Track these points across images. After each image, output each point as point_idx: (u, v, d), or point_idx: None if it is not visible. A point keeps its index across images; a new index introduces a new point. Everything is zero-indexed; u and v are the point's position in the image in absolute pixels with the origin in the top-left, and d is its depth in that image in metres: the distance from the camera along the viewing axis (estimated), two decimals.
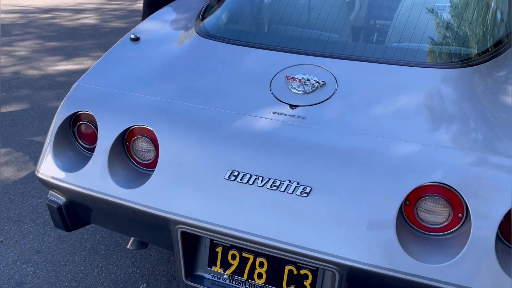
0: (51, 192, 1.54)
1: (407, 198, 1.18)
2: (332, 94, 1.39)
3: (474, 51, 1.57)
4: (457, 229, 1.17)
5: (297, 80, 1.44)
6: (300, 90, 1.41)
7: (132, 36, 1.82)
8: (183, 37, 1.83)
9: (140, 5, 8.47)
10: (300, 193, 1.21)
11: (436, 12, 1.68)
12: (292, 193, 1.22)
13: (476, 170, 1.15)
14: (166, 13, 2.08)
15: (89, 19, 7.08)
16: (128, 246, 1.68)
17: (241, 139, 1.31)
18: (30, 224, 2.33)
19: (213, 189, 1.28)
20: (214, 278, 1.41)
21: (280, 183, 1.23)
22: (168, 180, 1.34)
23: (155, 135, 1.40)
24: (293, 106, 1.37)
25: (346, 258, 1.15)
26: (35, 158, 2.92)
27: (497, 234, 1.10)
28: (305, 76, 1.44)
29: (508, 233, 1.14)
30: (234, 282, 1.39)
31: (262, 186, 1.24)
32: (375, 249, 1.14)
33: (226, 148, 1.31)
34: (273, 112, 1.36)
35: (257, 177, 1.25)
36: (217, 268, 1.40)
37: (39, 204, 2.49)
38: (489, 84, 1.47)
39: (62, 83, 4.28)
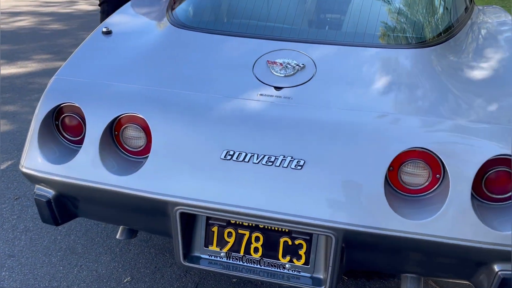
0: (38, 186, 1.52)
1: (391, 164, 1.30)
2: (313, 76, 1.49)
3: (431, 35, 1.73)
4: (436, 188, 1.31)
5: (279, 64, 1.52)
6: (282, 73, 1.50)
7: (104, 29, 1.82)
8: (157, 29, 1.86)
9: (78, 7, 8.21)
10: (295, 166, 1.29)
11: (396, 2, 1.83)
12: (287, 166, 1.30)
13: (450, 134, 1.29)
14: (134, 7, 2.09)
15: (26, 22, 6.76)
16: (118, 236, 1.68)
17: (234, 120, 1.37)
18: None
19: (211, 169, 1.34)
20: (211, 257, 1.46)
21: (275, 158, 1.31)
22: (163, 164, 1.37)
23: (145, 123, 1.43)
24: (278, 88, 1.45)
25: (342, 222, 1.25)
26: None
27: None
28: (286, 60, 1.53)
29: (479, 189, 1.29)
30: (231, 259, 1.45)
31: (258, 163, 1.31)
32: (367, 212, 1.25)
33: (219, 129, 1.37)
34: (260, 94, 1.44)
35: (253, 154, 1.32)
36: (213, 247, 1.45)
37: (4, 209, 2.40)
38: (446, 61, 1.63)
39: (8, 87, 4.09)
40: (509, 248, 1.20)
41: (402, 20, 1.73)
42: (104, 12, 3.07)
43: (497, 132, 1.27)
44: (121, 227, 1.70)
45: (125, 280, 1.95)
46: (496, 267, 1.24)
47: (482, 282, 1.31)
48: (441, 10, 1.90)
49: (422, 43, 1.66)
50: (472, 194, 1.26)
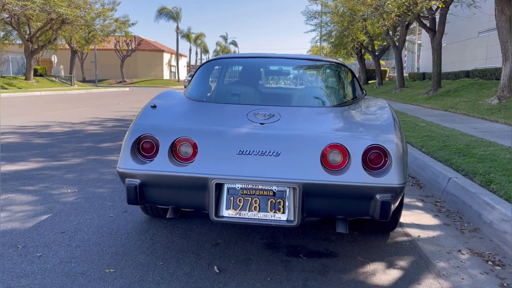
0: (127, 179, 2.61)
1: (322, 153, 2.58)
2: (279, 119, 2.84)
3: (345, 101, 3.23)
4: (346, 164, 2.59)
5: (260, 114, 2.87)
6: (263, 118, 2.84)
7: (152, 105, 3.10)
8: (183, 103, 3.19)
9: (53, 129, 9.35)
10: (276, 155, 2.55)
11: (321, 91, 3.35)
12: (271, 155, 2.55)
13: (350, 137, 2.64)
14: (162, 97, 3.42)
15: (14, 139, 7.78)
16: (167, 216, 2.74)
17: (243, 136, 2.64)
18: (51, 255, 3.14)
19: (231, 160, 2.55)
20: (230, 215, 2.58)
21: (265, 152, 2.56)
22: (205, 159, 2.57)
23: (193, 141, 2.64)
24: (262, 124, 2.77)
25: (302, 179, 2.48)
26: None
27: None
28: (264, 112, 2.89)
29: (366, 163, 2.59)
30: (241, 215, 2.58)
31: (256, 155, 2.55)
32: (313, 174, 2.50)
33: (235, 140, 2.62)
34: (253, 126, 2.74)
35: (254, 150, 2.56)
36: (231, 209, 2.58)
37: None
38: (347, 112, 3.07)
39: (17, 176, 5.03)
40: (381, 185, 2.48)
41: (328, 95, 3.25)
42: None
43: (369, 134, 2.64)
44: (170, 208, 2.76)
45: (160, 263, 2.91)
46: (377, 196, 2.49)
47: (374, 211, 2.53)
48: (348, 93, 3.45)
49: (337, 105, 3.14)
50: (363, 166, 2.56)
